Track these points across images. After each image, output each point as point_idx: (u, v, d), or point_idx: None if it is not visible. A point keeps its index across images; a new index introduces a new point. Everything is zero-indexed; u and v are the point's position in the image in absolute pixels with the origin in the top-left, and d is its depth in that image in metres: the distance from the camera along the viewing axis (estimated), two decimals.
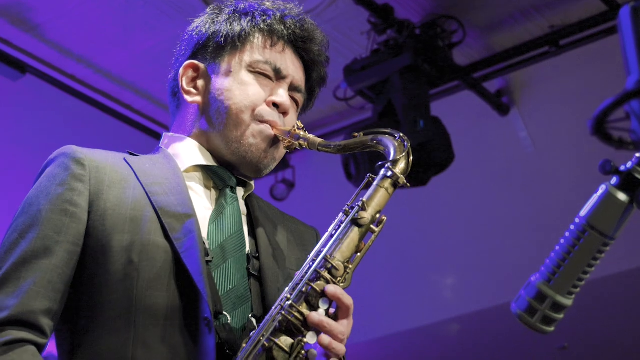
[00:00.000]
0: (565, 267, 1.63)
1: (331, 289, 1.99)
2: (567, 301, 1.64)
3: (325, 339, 1.96)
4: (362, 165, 5.53)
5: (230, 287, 2.11)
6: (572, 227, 1.63)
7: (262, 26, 2.36)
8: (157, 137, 6.75)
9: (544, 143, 6.31)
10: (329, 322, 1.97)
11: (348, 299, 2.01)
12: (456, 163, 5.74)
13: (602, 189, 1.62)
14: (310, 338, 1.96)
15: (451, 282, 6.69)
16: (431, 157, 5.47)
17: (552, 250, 1.65)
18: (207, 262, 2.10)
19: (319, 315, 1.97)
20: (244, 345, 1.97)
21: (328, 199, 6.70)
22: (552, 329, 1.67)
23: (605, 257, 1.64)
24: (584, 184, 6.11)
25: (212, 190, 2.30)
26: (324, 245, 2.07)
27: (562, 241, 1.64)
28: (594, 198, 1.63)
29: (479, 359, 7.32)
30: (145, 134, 6.40)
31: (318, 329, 1.97)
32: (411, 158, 2.14)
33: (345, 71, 5.73)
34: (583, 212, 1.63)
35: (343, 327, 2.00)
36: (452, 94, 6.40)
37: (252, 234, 2.29)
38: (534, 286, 1.65)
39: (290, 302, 1.98)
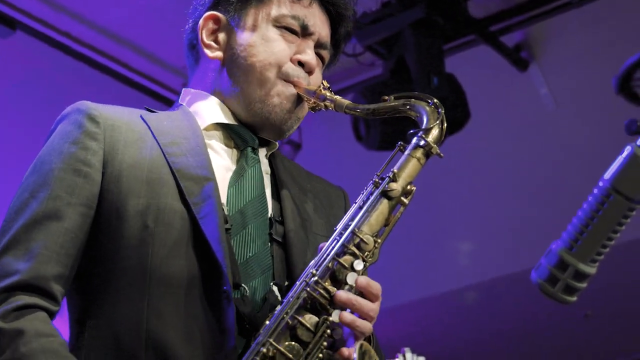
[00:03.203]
0: (588, 234, 1.62)
1: (351, 278, 1.98)
2: (591, 269, 1.64)
3: (347, 316, 1.95)
4: (372, 126, 5.51)
5: (250, 254, 2.10)
6: (595, 191, 1.62)
7: None
8: (158, 97, 6.76)
9: (566, 100, 6.28)
10: (357, 300, 1.96)
11: (375, 287, 2.00)
12: (472, 122, 5.72)
13: (627, 150, 1.61)
14: (335, 316, 1.95)
15: (467, 248, 6.70)
16: (446, 116, 5.43)
17: (574, 215, 1.65)
18: (227, 229, 2.08)
19: (346, 293, 1.96)
20: (267, 322, 1.96)
21: (337, 161, 6.70)
22: (574, 298, 1.66)
23: (630, 221, 1.63)
24: (608, 143, 6.09)
25: (234, 149, 2.29)
26: (352, 218, 2.06)
27: (584, 206, 1.63)
28: (619, 160, 1.61)
29: (496, 328, 7.34)
30: (145, 94, 6.38)
31: (345, 307, 1.96)
32: (445, 125, 2.14)
33: (354, 25, 5.68)
34: (607, 175, 1.62)
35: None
36: (468, 49, 6.34)
37: (277, 196, 2.27)
38: (555, 254, 1.64)
39: (315, 278, 1.97)
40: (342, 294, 1.96)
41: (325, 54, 2.39)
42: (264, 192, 2.23)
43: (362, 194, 2.09)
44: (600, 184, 1.62)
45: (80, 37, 6.06)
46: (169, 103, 6.44)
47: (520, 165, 6.34)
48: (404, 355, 4.77)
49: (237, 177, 2.21)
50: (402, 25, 5.56)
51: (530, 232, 6.03)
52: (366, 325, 1.97)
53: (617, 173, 1.61)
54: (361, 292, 1.99)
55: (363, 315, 1.97)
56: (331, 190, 2.45)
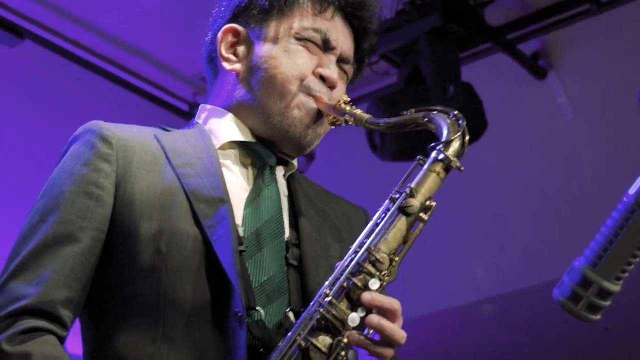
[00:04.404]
0: (612, 250, 1.61)
1: (367, 297, 1.94)
2: (615, 287, 1.63)
3: (373, 318, 1.93)
4: (387, 135, 5.50)
5: (265, 278, 2.09)
6: (619, 206, 1.61)
7: None
8: (166, 105, 6.76)
9: (585, 109, 6.25)
10: (380, 299, 1.94)
11: (390, 303, 1.97)
12: (489, 132, 5.69)
13: None
14: (351, 321, 1.92)
15: (485, 261, 6.68)
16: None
17: (593, 226, 1.64)
18: (241, 252, 2.07)
19: (370, 293, 1.95)
20: (280, 344, 1.94)
21: (351, 172, 6.68)
22: (598, 317, 1.66)
23: None
24: (628, 154, 6.10)
25: (250, 168, 2.28)
26: (368, 236, 2.03)
27: (608, 222, 1.62)
28: None
29: (514, 341, 7.32)
30: (153, 103, 6.38)
31: (370, 307, 1.94)
32: (467, 138, 2.10)
33: None
34: (632, 190, 1.61)
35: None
36: (485, 57, 6.33)
37: (294, 219, 2.25)
38: (578, 271, 1.64)
39: (329, 298, 1.95)
40: (367, 294, 1.93)
41: (348, 68, 2.38)
42: (280, 213, 2.21)
43: (379, 210, 2.07)
44: (625, 199, 1.61)
45: (88, 45, 6.08)
46: (177, 111, 6.45)
47: (538, 175, 6.31)
48: None
49: (254, 196, 2.20)
50: (417, 34, 5.55)
51: (547, 244, 6.01)
52: (392, 328, 1.95)
53: None
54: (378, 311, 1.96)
55: (388, 340, 1.94)
56: (351, 210, 2.43)
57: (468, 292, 6.64)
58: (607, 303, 1.64)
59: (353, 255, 2.00)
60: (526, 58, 6.33)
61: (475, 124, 5.56)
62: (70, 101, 5.96)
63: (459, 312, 6.79)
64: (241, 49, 2.34)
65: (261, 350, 1.99)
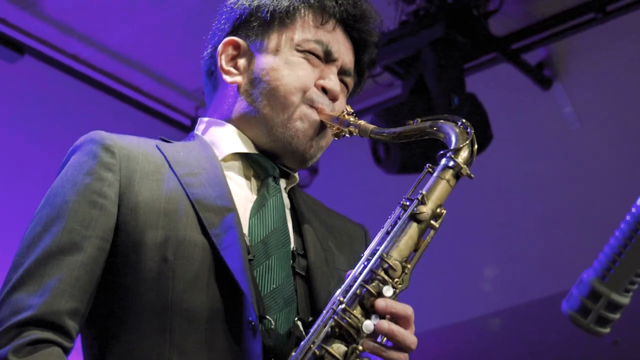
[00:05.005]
0: (621, 262, 1.60)
1: (381, 304, 1.95)
2: (624, 299, 1.62)
3: (383, 324, 1.94)
4: (392, 148, 5.50)
5: (274, 286, 2.09)
6: (628, 217, 1.60)
7: (311, 1, 2.33)
8: (168, 120, 6.77)
9: (591, 119, 6.25)
10: (394, 306, 1.96)
11: (404, 309, 1.98)
12: (495, 143, 5.69)
13: None
14: (366, 328, 1.93)
15: (492, 274, 6.66)
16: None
17: (601, 236, 1.63)
18: (250, 260, 2.07)
19: (384, 300, 1.96)
20: (293, 353, 1.94)
21: (355, 186, 6.67)
22: (607, 330, 1.64)
23: None
24: (635, 163, 6.09)
25: (253, 180, 2.28)
26: (380, 243, 2.04)
27: (617, 234, 1.61)
28: None
29: (521, 356, 7.29)
30: (156, 118, 6.38)
31: (384, 314, 1.95)
32: (475, 146, 2.11)
33: None
34: None
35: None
36: (489, 68, 6.32)
37: (298, 229, 2.26)
38: (587, 284, 1.63)
39: (343, 305, 1.95)
40: (381, 302, 1.94)
41: (349, 80, 2.38)
42: (286, 223, 2.22)
43: (390, 217, 2.07)
44: (633, 210, 1.60)
45: (88, 60, 6.09)
46: (179, 126, 6.46)
47: (545, 185, 6.30)
48: None
49: (259, 207, 2.20)
50: (421, 45, 5.55)
51: (555, 256, 6.00)
52: (402, 334, 1.96)
53: None
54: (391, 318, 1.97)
55: (399, 345, 1.96)
56: (351, 227, 2.44)
57: (475, 306, 6.61)
58: (617, 316, 1.63)
59: (366, 263, 2.01)
60: (531, 68, 6.33)
61: (481, 135, 5.54)
62: (71, 116, 5.97)
63: (466, 326, 6.76)
64: (242, 62, 2.35)
65: (272, 359, 1.98)
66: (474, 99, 5.65)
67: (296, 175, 2.37)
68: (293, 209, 2.31)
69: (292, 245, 2.20)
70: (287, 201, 2.31)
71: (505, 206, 6.43)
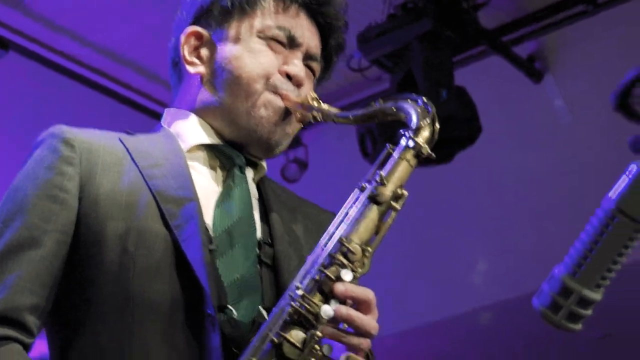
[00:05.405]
0: (592, 258, 1.60)
1: (340, 288, 1.93)
2: (596, 295, 1.62)
3: (341, 309, 1.91)
4: (379, 141, 5.48)
5: (237, 276, 2.07)
6: (598, 212, 1.60)
7: None
8: (159, 117, 6.72)
9: (582, 112, 6.23)
10: (354, 290, 1.93)
11: (364, 293, 1.95)
12: (485, 136, 5.66)
13: (632, 169, 1.59)
14: (324, 313, 1.90)
15: (482, 267, 6.65)
16: (456, 131, 5.41)
17: (577, 238, 1.62)
18: (211, 250, 2.06)
19: (343, 285, 1.93)
20: (252, 341, 1.93)
21: (344, 180, 6.63)
22: (579, 326, 1.64)
23: None
24: (627, 156, 6.06)
25: (219, 171, 2.27)
26: (338, 226, 2.01)
27: (588, 228, 1.61)
28: (623, 179, 1.59)
29: (514, 349, 7.29)
30: (146, 115, 6.37)
31: (344, 299, 1.93)
32: (437, 125, 2.09)
33: (358, 39, 5.66)
34: (612, 194, 1.60)
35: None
36: (479, 61, 6.32)
37: (265, 219, 2.25)
38: (557, 279, 1.63)
39: (301, 291, 1.92)
40: (340, 286, 1.92)
41: (316, 66, 2.37)
42: (251, 212, 2.21)
43: (348, 200, 2.05)
44: (603, 204, 1.59)
45: (74, 56, 6.06)
46: None
47: (535, 180, 6.28)
48: None
49: (224, 197, 2.19)
50: (409, 38, 5.51)
51: (547, 249, 5.98)
52: (363, 321, 1.93)
53: (622, 194, 1.58)
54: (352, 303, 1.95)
55: (359, 331, 1.93)
56: (323, 215, 2.41)
57: (465, 300, 6.61)
58: (589, 312, 1.62)
59: (324, 247, 1.99)
60: (522, 61, 6.32)
61: (470, 128, 5.54)
62: (60, 113, 5.94)
63: (456, 321, 6.76)
64: (204, 52, 2.33)
65: (234, 349, 1.97)
66: (463, 92, 5.62)
67: (264, 164, 2.35)
68: (261, 199, 2.30)
69: (259, 234, 2.19)
70: (255, 191, 2.30)
71: (496, 199, 6.42)
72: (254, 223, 2.19)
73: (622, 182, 1.59)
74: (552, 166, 6.26)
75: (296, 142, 7.02)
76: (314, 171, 7.06)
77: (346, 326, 1.94)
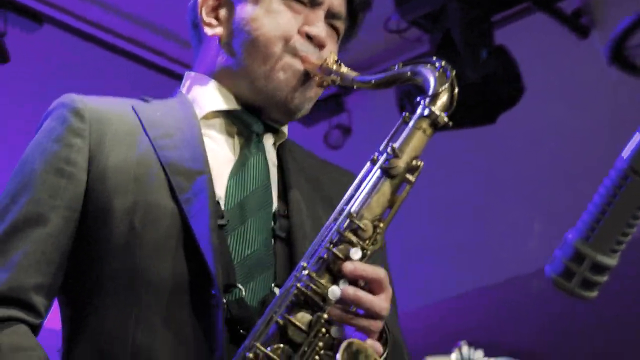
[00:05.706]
0: (605, 221, 1.52)
1: (349, 267, 1.85)
2: (611, 260, 1.54)
3: (349, 290, 1.83)
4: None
5: (249, 252, 2.01)
6: (611, 172, 1.52)
7: None
8: None
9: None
10: (363, 269, 1.85)
11: (375, 272, 1.87)
12: (528, 95, 5.56)
13: None
14: (332, 294, 1.83)
15: (537, 230, 6.56)
16: (497, 92, 5.32)
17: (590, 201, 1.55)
18: (221, 225, 2.00)
19: (352, 263, 1.85)
20: (257, 323, 1.87)
21: None
22: (594, 293, 1.56)
23: None
24: None
25: (237, 138, 2.21)
26: (348, 201, 1.94)
27: (600, 190, 1.53)
28: (636, 137, 1.51)
29: (562, 316, 7.19)
30: (177, 80, 6.35)
31: (353, 278, 1.85)
32: (456, 91, 1.99)
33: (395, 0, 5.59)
34: (625, 154, 1.52)
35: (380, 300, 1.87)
36: (522, 19, 6.21)
37: (283, 189, 2.18)
38: (570, 245, 1.55)
39: (307, 271, 1.86)
40: (349, 265, 1.85)
41: (339, 24, 2.28)
42: (268, 183, 2.14)
43: (360, 173, 1.98)
44: (617, 164, 1.52)
45: (109, 26, 6.05)
46: None
47: (584, 140, 6.17)
48: (459, 349, 4.69)
49: (239, 166, 2.13)
50: None
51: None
52: (370, 301, 1.85)
53: (635, 152, 1.51)
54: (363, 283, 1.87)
55: (368, 312, 1.86)
56: (345, 178, 2.30)
57: (516, 265, 6.53)
58: (604, 278, 1.54)
59: (333, 224, 1.92)
60: (567, 16, 6.17)
61: (511, 89, 5.44)
62: (91, 84, 5.95)
63: (506, 285, 6.68)
64: (223, 13, 2.27)
65: (241, 331, 1.92)
66: (504, 52, 5.51)
67: (285, 129, 2.29)
68: (280, 167, 2.24)
69: (275, 206, 2.12)
70: (274, 158, 2.24)
71: (544, 161, 6.31)
72: (270, 194, 2.13)
73: (636, 141, 1.51)
74: (599, 125, 6.14)
75: (339, 107, 6.96)
76: (357, 137, 6.99)
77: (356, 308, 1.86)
